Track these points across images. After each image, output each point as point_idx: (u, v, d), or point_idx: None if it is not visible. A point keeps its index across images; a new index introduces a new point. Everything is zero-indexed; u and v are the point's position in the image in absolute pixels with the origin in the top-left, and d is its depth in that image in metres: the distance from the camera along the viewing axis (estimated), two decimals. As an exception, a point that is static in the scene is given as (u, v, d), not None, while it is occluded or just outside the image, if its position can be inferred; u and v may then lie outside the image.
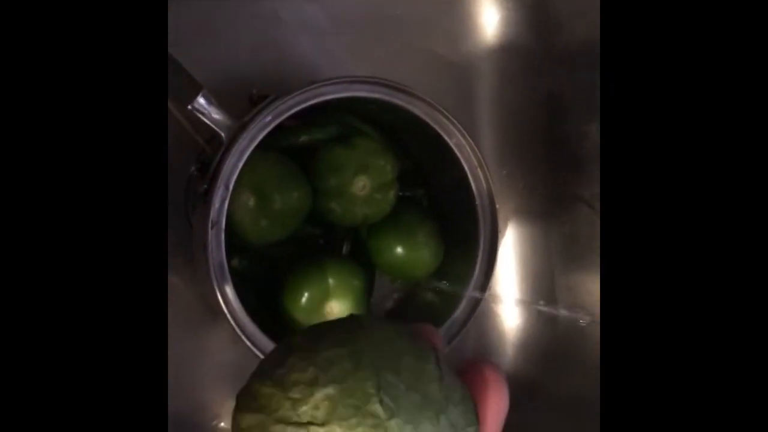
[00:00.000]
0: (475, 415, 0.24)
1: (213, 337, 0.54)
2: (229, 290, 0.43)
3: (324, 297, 0.48)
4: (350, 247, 0.54)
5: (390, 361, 0.23)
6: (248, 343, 0.43)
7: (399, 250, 0.52)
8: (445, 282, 0.52)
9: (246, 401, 0.23)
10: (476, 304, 0.49)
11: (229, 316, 0.43)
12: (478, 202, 0.49)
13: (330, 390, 0.22)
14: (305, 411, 0.22)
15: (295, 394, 0.22)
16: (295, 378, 0.22)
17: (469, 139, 0.48)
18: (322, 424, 0.22)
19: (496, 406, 0.24)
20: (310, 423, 0.22)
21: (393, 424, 0.22)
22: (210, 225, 0.42)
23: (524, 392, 0.59)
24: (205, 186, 0.43)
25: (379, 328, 0.24)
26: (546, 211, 0.61)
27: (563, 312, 0.58)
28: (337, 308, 0.49)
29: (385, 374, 0.22)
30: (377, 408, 0.22)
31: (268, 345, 0.43)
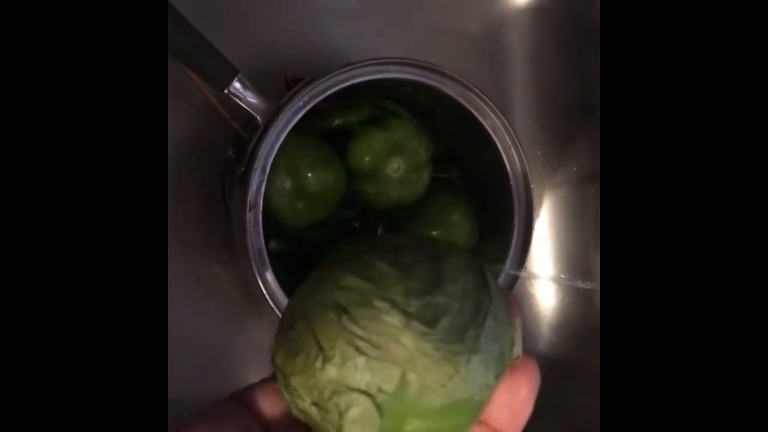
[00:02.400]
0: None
1: (253, 321, 0.55)
2: (269, 273, 0.44)
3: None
4: (385, 229, 0.55)
5: (495, 312, 0.24)
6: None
7: (434, 231, 0.52)
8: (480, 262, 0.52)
9: (358, 266, 0.23)
10: (512, 283, 0.49)
11: (268, 298, 0.44)
12: (512, 182, 0.49)
13: (447, 300, 0.22)
14: (415, 305, 0.22)
15: (415, 286, 0.22)
16: (420, 273, 0.23)
17: (503, 118, 0.48)
18: (425, 323, 0.22)
19: (526, 387, 0.24)
20: (414, 316, 0.22)
21: (476, 360, 0.22)
22: (248, 208, 0.43)
23: (561, 372, 0.59)
24: (242, 169, 0.44)
25: (490, 282, 0.25)
26: (581, 190, 0.60)
27: (597, 289, 0.58)
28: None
29: (490, 319, 0.23)
30: (472, 343, 0.22)
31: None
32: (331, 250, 0.50)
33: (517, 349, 0.25)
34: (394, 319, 0.22)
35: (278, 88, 0.48)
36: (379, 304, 0.22)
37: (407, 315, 0.22)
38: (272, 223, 0.46)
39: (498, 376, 0.23)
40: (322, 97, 0.44)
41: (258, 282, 0.44)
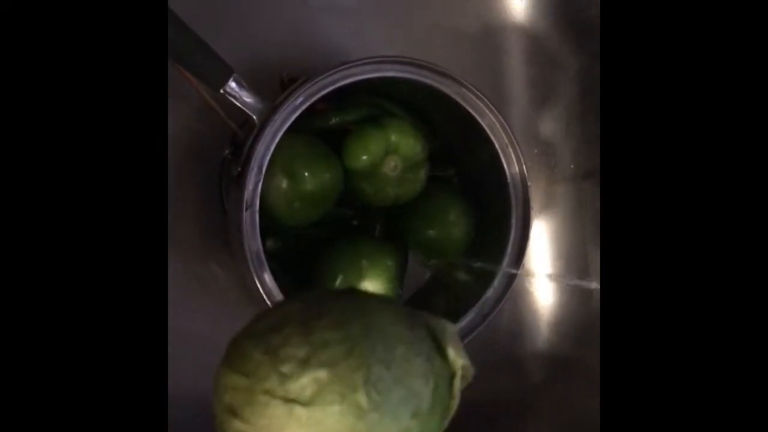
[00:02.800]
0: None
1: (249, 317, 0.55)
2: (266, 273, 0.44)
3: (358, 278, 0.49)
4: (383, 227, 0.55)
5: (383, 351, 0.23)
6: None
7: (431, 229, 0.52)
8: (478, 261, 0.52)
9: (235, 360, 0.24)
10: (510, 281, 0.48)
11: (265, 297, 0.44)
12: (509, 180, 0.49)
13: (320, 373, 0.22)
14: (292, 389, 0.22)
15: (286, 369, 0.22)
16: (288, 353, 0.23)
17: (500, 116, 0.48)
18: (305, 405, 0.22)
19: None
20: (294, 401, 0.22)
21: (375, 416, 0.22)
22: (244, 207, 0.43)
23: (559, 370, 0.59)
24: (239, 169, 0.44)
25: (379, 314, 0.24)
26: (579, 188, 0.60)
27: (596, 287, 0.58)
28: (371, 289, 0.49)
29: (376, 366, 0.22)
30: (362, 399, 0.22)
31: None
32: (329, 249, 0.50)
33: (459, 362, 0.25)
34: (277, 410, 0.22)
35: (274, 87, 0.48)
36: (260, 398, 0.22)
37: (287, 401, 0.22)
38: (269, 223, 0.46)
39: (416, 413, 0.23)
40: (318, 96, 0.44)
41: (255, 282, 0.43)
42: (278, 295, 0.44)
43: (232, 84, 0.44)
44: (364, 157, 0.49)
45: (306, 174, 0.46)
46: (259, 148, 0.43)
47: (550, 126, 0.60)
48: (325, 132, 0.50)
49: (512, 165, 0.49)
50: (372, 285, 0.49)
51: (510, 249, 0.49)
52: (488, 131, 0.48)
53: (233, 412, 0.23)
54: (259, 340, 0.24)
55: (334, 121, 0.50)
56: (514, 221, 0.49)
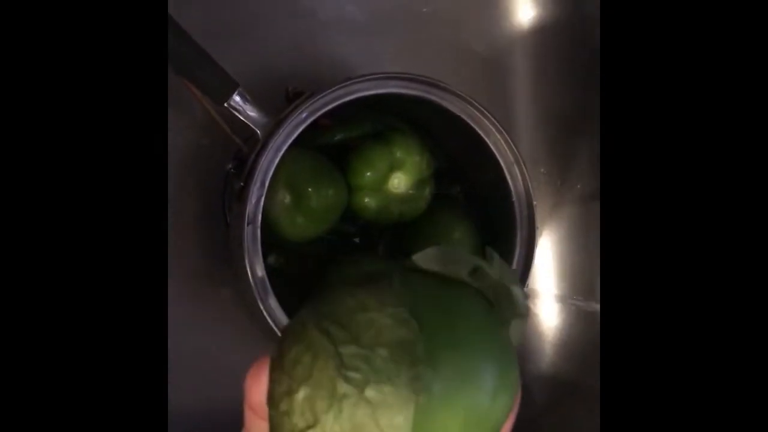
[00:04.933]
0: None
1: (252, 335, 0.54)
2: (267, 290, 0.43)
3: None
4: (386, 245, 0.54)
5: (342, 327, 0.22)
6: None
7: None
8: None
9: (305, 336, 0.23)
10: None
11: (265, 313, 0.43)
12: (515, 199, 0.48)
13: (302, 392, 0.22)
14: (296, 422, 0.22)
15: (284, 408, 0.22)
16: (279, 393, 0.23)
17: (506, 135, 0.48)
18: (313, 426, 0.21)
19: None
20: (307, 428, 0.22)
21: (371, 392, 0.21)
22: (246, 222, 0.42)
23: (563, 393, 0.58)
24: (241, 184, 0.43)
25: (327, 297, 0.24)
26: (585, 208, 0.60)
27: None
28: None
29: (342, 346, 0.22)
30: (346, 388, 0.21)
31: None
32: (331, 267, 0.50)
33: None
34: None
35: (280, 101, 0.48)
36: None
37: None
38: (272, 238, 0.46)
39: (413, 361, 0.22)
40: (322, 111, 0.44)
41: (256, 298, 0.43)
42: (279, 312, 0.43)
43: (237, 98, 0.44)
44: (369, 174, 0.48)
45: (309, 190, 0.46)
46: (263, 162, 0.43)
47: (556, 145, 0.60)
48: (329, 148, 0.49)
49: (518, 184, 0.48)
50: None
51: (515, 268, 0.48)
52: (494, 149, 0.48)
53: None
54: (269, 398, 0.24)
55: (338, 136, 0.50)
56: (518, 240, 0.48)
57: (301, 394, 0.22)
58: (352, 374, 0.21)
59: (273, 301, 0.43)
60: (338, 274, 0.49)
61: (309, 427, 0.22)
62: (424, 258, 0.25)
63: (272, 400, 0.23)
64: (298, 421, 0.22)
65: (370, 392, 0.21)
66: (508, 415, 0.23)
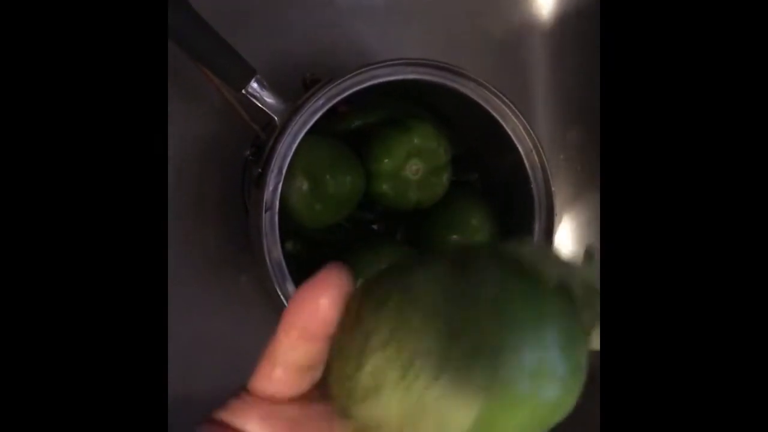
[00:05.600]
0: None
1: (273, 322, 0.55)
2: (285, 275, 0.43)
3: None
4: (404, 232, 0.54)
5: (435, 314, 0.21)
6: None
7: (453, 234, 0.51)
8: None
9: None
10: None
11: (283, 299, 0.43)
12: (533, 186, 0.48)
13: (381, 353, 0.21)
14: (359, 378, 0.21)
15: (353, 354, 0.22)
16: (357, 337, 0.22)
17: (524, 121, 0.47)
18: (375, 391, 0.21)
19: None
20: (367, 391, 0.21)
21: (445, 381, 0.20)
22: (264, 209, 0.43)
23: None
24: (259, 170, 0.44)
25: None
26: (604, 195, 0.59)
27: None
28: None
29: (430, 330, 0.21)
30: (423, 369, 0.20)
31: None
32: (348, 253, 0.50)
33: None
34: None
35: (297, 88, 0.48)
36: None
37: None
38: (290, 225, 0.46)
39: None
40: (340, 97, 0.44)
41: (274, 284, 0.43)
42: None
43: (254, 85, 0.44)
44: (386, 160, 0.48)
45: (327, 176, 0.46)
46: (280, 149, 0.43)
47: (576, 131, 0.59)
48: (347, 134, 0.49)
49: (536, 171, 0.48)
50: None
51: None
52: (512, 136, 0.47)
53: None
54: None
55: (356, 123, 0.50)
56: (537, 228, 0.48)
57: (378, 354, 0.21)
58: (433, 359, 0.21)
59: (291, 287, 0.43)
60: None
61: (370, 390, 0.21)
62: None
63: (346, 336, 0.22)
64: (363, 378, 0.21)
65: (445, 380, 0.20)
66: (564, 415, 0.23)
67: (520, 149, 0.48)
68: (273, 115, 0.45)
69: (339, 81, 0.43)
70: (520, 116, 0.47)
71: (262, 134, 0.47)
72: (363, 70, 0.44)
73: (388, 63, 0.44)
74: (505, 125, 0.47)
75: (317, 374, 0.24)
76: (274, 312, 0.55)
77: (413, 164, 0.48)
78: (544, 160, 0.48)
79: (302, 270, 0.46)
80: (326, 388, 0.23)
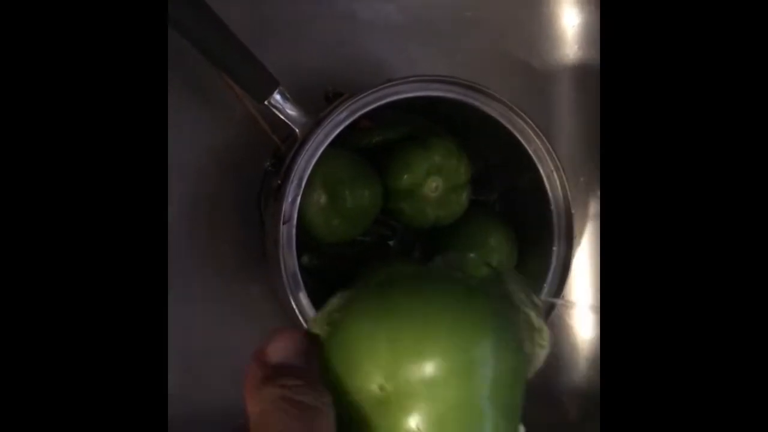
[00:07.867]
0: None
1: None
2: (300, 289, 0.43)
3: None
4: (421, 249, 0.54)
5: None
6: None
7: (470, 254, 0.51)
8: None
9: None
10: (549, 311, 0.47)
11: (298, 312, 0.43)
12: (553, 207, 0.48)
13: None
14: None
15: None
16: None
17: (546, 142, 0.47)
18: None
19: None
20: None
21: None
22: (282, 221, 0.42)
23: (597, 408, 0.57)
24: (278, 182, 0.43)
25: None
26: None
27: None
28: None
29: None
30: None
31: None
32: (365, 269, 0.50)
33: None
34: None
35: (319, 101, 0.48)
36: None
37: None
38: (306, 238, 0.45)
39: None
40: (362, 112, 0.43)
41: (289, 298, 0.43)
42: (311, 312, 0.43)
43: (277, 96, 0.44)
44: (406, 177, 0.48)
45: (346, 191, 0.46)
46: (300, 161, 0.43)
47: (596, 153, 0.59)
48: (367, 149, 0.49)
49: (557, 192, 0.48)
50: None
51: (551, 278, 0.47)
52: (534, 157, 0.47)
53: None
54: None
55: (376, 138, 0.50)
56: (556, 249, 0.48)
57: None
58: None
59: (305, 300, 0.43)
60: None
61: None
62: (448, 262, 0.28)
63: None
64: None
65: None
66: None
67: (541, 170, 0.47)
68: (294, 128, 0.44)
69: (362, 95, 0.43)
70: (543, 137, 0.47)
71: (283, 146, 0.47)
72: (386, 85, 0.44)
73: (412, 79, 0.44)
74: (527, 146, 0.47)
75: None
76: (286, 324, 0.54)
77: (433, 181, 0.48)
78: (565, 182, 0.47)
79: (316, 283, 0.46)
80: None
